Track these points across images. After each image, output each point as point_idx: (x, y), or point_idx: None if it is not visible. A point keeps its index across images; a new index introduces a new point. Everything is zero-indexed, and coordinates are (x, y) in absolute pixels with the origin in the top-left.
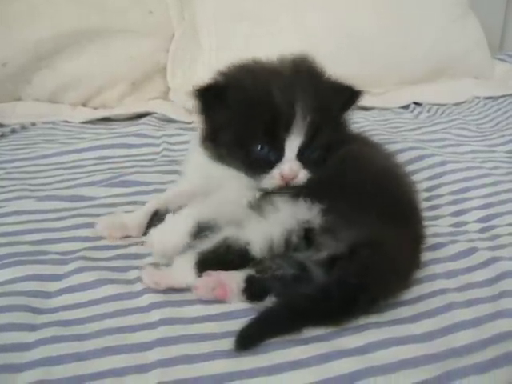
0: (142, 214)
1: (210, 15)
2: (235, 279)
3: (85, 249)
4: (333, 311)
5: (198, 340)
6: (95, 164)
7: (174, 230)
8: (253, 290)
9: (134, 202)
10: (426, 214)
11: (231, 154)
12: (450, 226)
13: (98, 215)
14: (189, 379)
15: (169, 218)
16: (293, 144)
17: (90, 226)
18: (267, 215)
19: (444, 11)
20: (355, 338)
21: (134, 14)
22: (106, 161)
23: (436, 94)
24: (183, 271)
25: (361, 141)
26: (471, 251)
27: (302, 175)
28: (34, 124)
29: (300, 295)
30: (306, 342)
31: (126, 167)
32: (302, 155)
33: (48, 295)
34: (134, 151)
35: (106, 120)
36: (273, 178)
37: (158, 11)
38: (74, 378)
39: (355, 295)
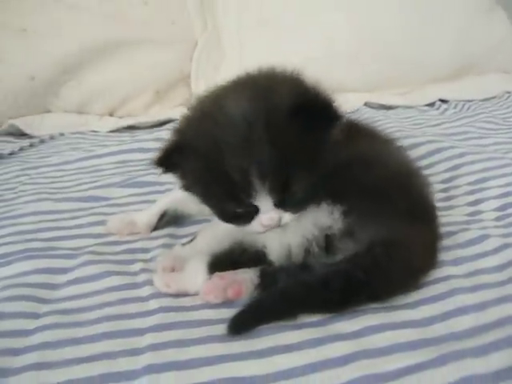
0: (151, 214)
1: (233, 23)
2: (249, 275)
3: (95, 244)
4: (330, 302)
5: (193, 326)
6: (114, 168)
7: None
8: (266, 284)
9: (147, 202)
10: (440, 204)
11: (209, 208)
12: (465, 215)
13: (111, 214)
14: (179, 361)
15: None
16: (263, 202)
17: (102, 223)
18: (286, 225)
19: (469, 6)
20: (351, 323)
21: (157, 24)
22: (125, 164)
23: (463, 91)
24: (195, 273)
25: (370, 136)
26: (483, 238)
27: (287, 218)
28: (62, 134)
29: (298, 282)
30: (300, 327)
31: (142, 170)
32: (281, 204)
33: (55, 287)
34: (151, 155)
35: (132, 128)
36: (255, 228)
37: (180, 21)
38: (68, 361)
39: (358, 289)
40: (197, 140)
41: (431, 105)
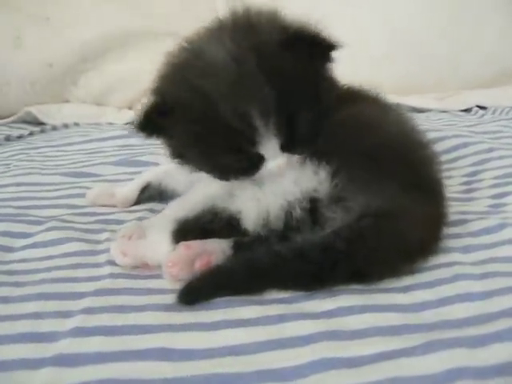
0: (131, 187)
1: None
2: (221, 245)
3: (68, 214)
4: (303, 276)
5: (139, 294)
6: (115, 150)
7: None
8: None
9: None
10: (460, 195)
11: (206, 169)
12: (486, 206)
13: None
14: (112, 327)
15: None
16: (270, 146)
17: (82, 195)
18: (264, 184)
19: (509, 10)
20: (324, 302)
21: (182, 18)
22: (127, 148)
23: (503, 98)
24: (157, 242)
25: (371, 102)
26: (501, 227)
27: (293, 161)
28: (77, 124)
29: (268, 252)
30: (263, 302)
31: (142, 153)
32: (287, 146)
33: (10, 250)
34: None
35: None
36: (266, 175)
37: (207, 17)
38: None
39: (336, 262)
40: (181, 96)
41: (468, 111)
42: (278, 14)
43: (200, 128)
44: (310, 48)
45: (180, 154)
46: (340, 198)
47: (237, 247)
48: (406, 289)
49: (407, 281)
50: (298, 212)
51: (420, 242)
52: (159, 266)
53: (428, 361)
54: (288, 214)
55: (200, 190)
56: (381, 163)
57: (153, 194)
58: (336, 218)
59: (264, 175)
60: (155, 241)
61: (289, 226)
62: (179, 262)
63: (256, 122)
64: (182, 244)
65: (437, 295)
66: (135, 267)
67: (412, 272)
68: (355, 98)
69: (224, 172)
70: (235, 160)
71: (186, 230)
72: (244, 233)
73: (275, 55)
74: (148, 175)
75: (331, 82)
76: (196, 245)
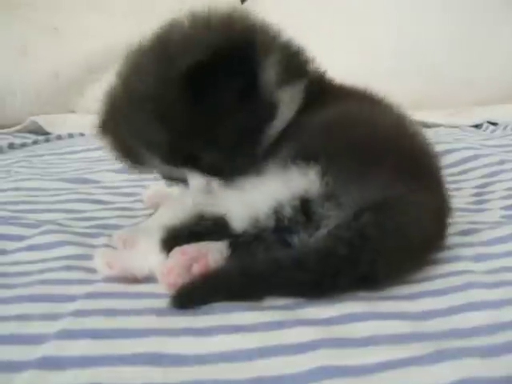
0: None
1: None
2: (216, 247)
3: (64, 219)
4: (303, 284)
5: (131, 297)
6: None
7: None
8: (239, 256)
9: (138, 187)
10: (470, 206)
11: None
12: (498, 217)
13: (95, 194)
14: (99, 330)
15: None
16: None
17: (82, 200)
18: (249, 188)
19: None
20: (326, 308)
21: None
22: None
23: None
24: (145, 252)
25: (359, 98)
26: None
27: (215, 183)
28: (82, 135)
29: (266, 258)
30: (261, 308)
31: None
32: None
33: (3, 252)
34: None
35: None
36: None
37: None
38: None
39: (339, 269)
40: (107, 121)
41: (478, 126)
42: (212, 26)
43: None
44: (224, 74)
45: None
46: (332, 194)
47: (234, 246)
48: (414, 296)
49: (416, 288)
50: (288, 211)
51: (424, 236)
52: (148, 278)
53: (437, 370)
54: (278, 213)
55: (185, 197)
56: (370, 154)
57: None
58: (330, 216)
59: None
60: (143, 251)
61: (281, 226)
62: (176, 268)
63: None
64: (177, 250)
65: (447, 303)
66: (122, 279)
67: (419, 267)
68: (346, 93)
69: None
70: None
71: (175, 237)
72: (233, 233)
73: (173, 93)
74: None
75: (259, 99)
76: (191, 249)
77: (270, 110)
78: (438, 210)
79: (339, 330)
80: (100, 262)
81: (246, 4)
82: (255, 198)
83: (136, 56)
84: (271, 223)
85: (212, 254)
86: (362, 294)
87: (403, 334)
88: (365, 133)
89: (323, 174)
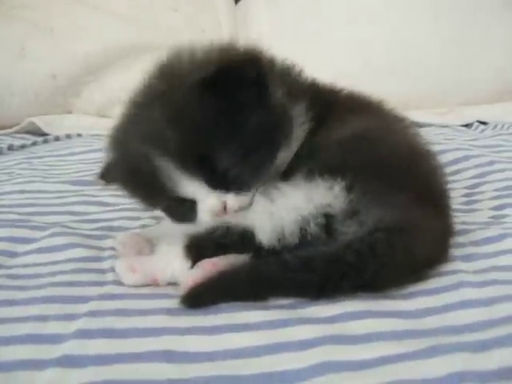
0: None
1: (265, 33)
2: (243, 260)
3: (70, 221)
4: (309, 286)
5: (143, 298)
6: None
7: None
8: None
9: None
10: (461, 206)
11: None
12: (487, 217)
13: (98, 196)
14: (114, 329)
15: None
16: (192, 187)
17: (86, 203)
18: (276, 200)
19: None
20: (327, 307)
21: (187, 31)
22: None
23: (505, 114)
24: (169, 258)
25: (376, 112)
26: (502, 237)
27: (237, 201)
28: (80, 135)
29: (274, 260)
30: (266, 307)
31: None
32: (216, 186)
33: (14, 254)
34: None
35: None
36: (204, 217)
37: (210, 30)
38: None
39: (345, 274)
40: (118, 155)
41: (468, 126)
42: (215, 50)
43: (136, 179)
44: (235, 84)
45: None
46: (354, 212)
47: (257, 256)
48: (409, 295)
49: (411, 288)
50: (312, 227)
51: (429, 257)
52: (170, 284)
53: (431, 365)
54: (303, 229)
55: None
56: (392, 176)
57: None
58: (349, 232)
59: (205, 217)
60: (167, 256)
61: (304, 241)
62: (200, 276)
63: (169, 169)
64: (207, 261)
65: (440, 302)
66: (143, 285)
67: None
68: (358, 106)
69: (170, 215)
70: (171, 205)
71: (200, 246)
72: (258, 247)
73: (185, 99)
74: None
75: (272, 112)
76: (221, 262)
77: (285, 119)
78: (444, 234)
79: (340, 328)
80: (122, 268)
81: (239, 4)
82: (281, 212)
83: (143, 87)
84: (295, 239)
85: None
86: (360, 293)
87: (399, 331)
88: (387, 152)
89: (348, 191)
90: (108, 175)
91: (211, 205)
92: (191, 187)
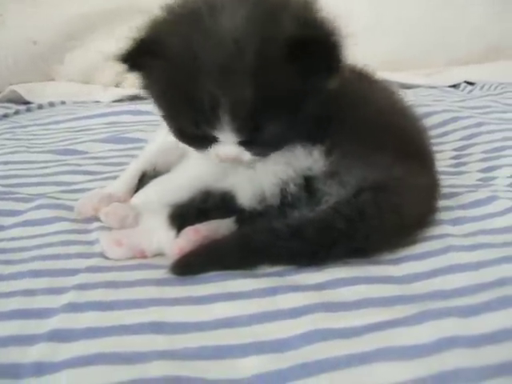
0: (127, 178)
1: None
2: (225, 225)
3: (56, 192)
4: (300, 254)
5: (131, 269)
6: (103, 127)
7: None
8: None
9: (128, 156)
10: (449, 169)
11: (168, 125)
12: (476, 180)
13: (85, 165)
14: (103, 302)
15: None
16: (227, 136)
17: (71, 172)
18: (255, 166)
19: None
20: (316, 274)
21: None
22: (115, 125)
23: (493, 74)
24: (154, 228)
25: (357, 75)
26: (491, 199)
27: (247, 157)
28: (63, 103)
29: (263, 228)
30: (255, 275)
31: (131, 131)
32: (245, 144)
33: (0, 228)
34: (141, 118)
35: (137, 99)
36: (211, 155)
37: None
38: None
39: (336, 240)
40: (173, 42)
41: (456, 86)
42: (309, 4)
43: (174, 82)
44: (317, 60)
45: (149, 93)
46: (335, 172)
47: (240, 222)
48: (398, 261)
49: (400, 253)
50: (292, 188)
51: (417, 216)
52: (157, 255)
53: (420, 330)
54: (283, 190)
55: (188, 170)
56: (373, 136)
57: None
58: (332, 193)
59: (213, 156)
60: (151, 227)
61: (285, 202)
62: (188, 247)
63: (221, 114)
64: (189, 229)
65: (429, 266)
66: (129, 258)
67: (408, 245)
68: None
69: (179, 135)
70: (191, 130)
71: (183, 214)
72: (240, 210)
73: (277, 56)
74: (141, 162)
75: (324, 96)
76: (203, 228)
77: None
78: (430, 190)
79: (329, 295)
80: (107, 241)
81: None
82: (262, 176)
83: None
84: (277, 200)
85: (223, 231)
86: (349, 259)
87: (389, 296)
88: (367, 114)
89: (327, 154)
90: (135, 60)
91: (226, 152)
92: (224, 134)
